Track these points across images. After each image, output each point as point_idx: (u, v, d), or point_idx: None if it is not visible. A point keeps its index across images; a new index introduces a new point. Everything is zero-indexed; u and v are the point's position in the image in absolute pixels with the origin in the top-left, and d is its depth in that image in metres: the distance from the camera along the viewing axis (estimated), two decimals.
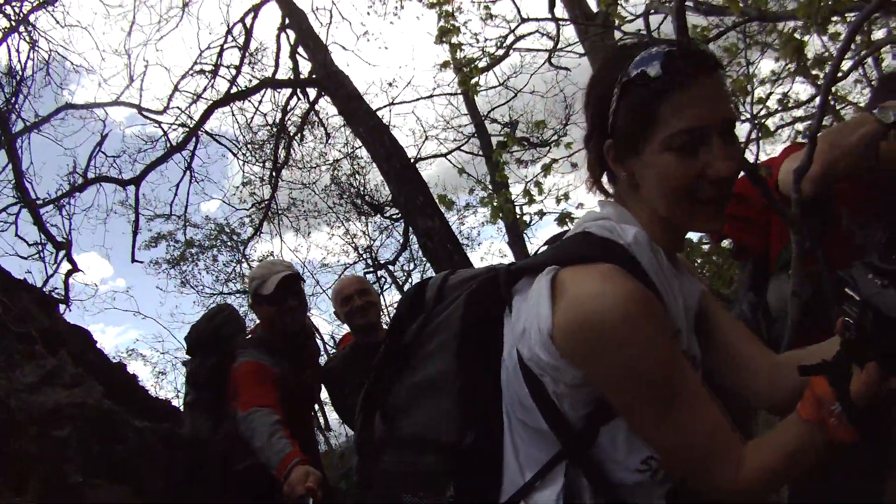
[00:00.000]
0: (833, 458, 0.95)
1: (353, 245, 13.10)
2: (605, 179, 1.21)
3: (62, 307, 4.77)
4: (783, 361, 1.21)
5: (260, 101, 9.42)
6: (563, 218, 4.24)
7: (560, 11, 6.68)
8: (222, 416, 3.10)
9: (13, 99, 6.70)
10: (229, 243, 12.01)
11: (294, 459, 2.36)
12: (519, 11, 5.20)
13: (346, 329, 3.59)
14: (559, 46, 6.55)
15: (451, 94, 11.31)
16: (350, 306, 3.13)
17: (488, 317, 1.19)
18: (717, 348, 1.24)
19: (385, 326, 3.38)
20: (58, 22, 8.08)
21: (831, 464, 0.98)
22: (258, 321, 3.16)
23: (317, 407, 3.39)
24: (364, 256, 13.20)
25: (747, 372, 1.23)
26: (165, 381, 12.59)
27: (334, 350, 7.18)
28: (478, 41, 4.77)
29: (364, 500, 1.40)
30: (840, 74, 2.45)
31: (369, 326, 3.19)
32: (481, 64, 4.61)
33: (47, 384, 2.74)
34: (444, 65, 4.76)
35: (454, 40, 4.14)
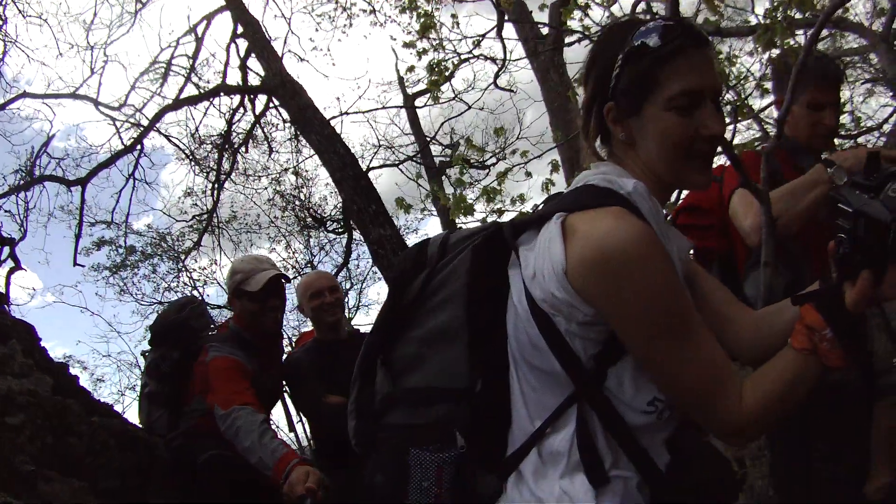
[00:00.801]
0: (822, 388, 1.03)
1: (294, 263, 12.92)
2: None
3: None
4: (763, 316, 1.31)
5: (206, 110, 9.26)
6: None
7: (511, 33, 6.93)
8: (180, 410, 3.03)
9: None
10: (170, 252, 11.67)
11: (293, 460, 2.34)
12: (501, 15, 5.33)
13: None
14: (508, 64, 6.77)
15: (397, 107, 11.47)
16: (321, 301, 3.12)
17: (495, 267, 1.23)
18: (702, 307, 1.30)
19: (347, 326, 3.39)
20: (20, 11, 7.73)
21: (820, 394, 1.05)
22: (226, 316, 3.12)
23: (282, 405, 3.32)
24: (304, 273, 13.03)
25: (732, 329, 1.31)
26: (104, 387, 12.02)
27: None
28: (444, 48, 4.92)
29: (366, 462, 1.40)
30: None
31: (337, 323, 3.19)
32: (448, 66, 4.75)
33: None
34: (410, 69, 4.86)
35: (423, 46, 4.25)
